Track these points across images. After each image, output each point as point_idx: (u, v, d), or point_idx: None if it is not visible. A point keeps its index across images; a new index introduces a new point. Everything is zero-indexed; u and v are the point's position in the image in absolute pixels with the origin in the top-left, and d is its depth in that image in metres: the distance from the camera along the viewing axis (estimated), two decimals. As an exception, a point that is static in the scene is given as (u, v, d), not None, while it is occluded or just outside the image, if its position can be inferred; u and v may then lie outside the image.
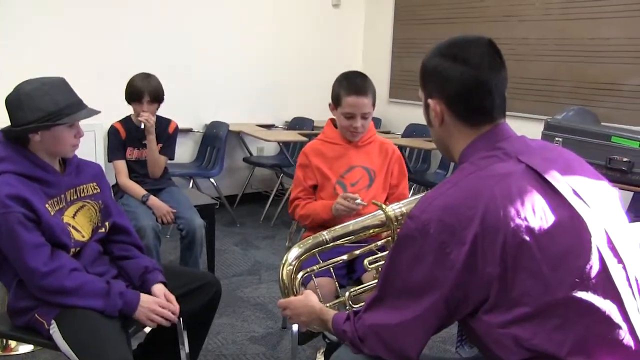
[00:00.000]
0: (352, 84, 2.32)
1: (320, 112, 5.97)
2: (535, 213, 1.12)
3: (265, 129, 5.45)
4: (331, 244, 1.78)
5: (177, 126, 3.36)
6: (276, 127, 5.80)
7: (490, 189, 1.14)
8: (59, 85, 1.84)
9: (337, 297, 1.99)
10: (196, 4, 5.04)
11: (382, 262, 1.81)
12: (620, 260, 1.15)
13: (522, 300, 1.11)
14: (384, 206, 1.78)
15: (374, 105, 2.37)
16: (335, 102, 2.37)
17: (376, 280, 1.81)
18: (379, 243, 1.88)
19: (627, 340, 1.11)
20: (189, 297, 2.02)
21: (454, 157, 1.36)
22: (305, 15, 5.88)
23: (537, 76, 4.65)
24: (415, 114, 5.37)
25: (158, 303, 1.86)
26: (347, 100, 2.30)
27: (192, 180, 4.84)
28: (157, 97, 3.12)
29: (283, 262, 1.72)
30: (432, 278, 1.16)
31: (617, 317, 1.11)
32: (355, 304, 1.77)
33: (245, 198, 5.61)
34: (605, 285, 1.11)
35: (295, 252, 1.74)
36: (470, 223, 1.12)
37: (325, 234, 1.78)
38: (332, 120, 2.53)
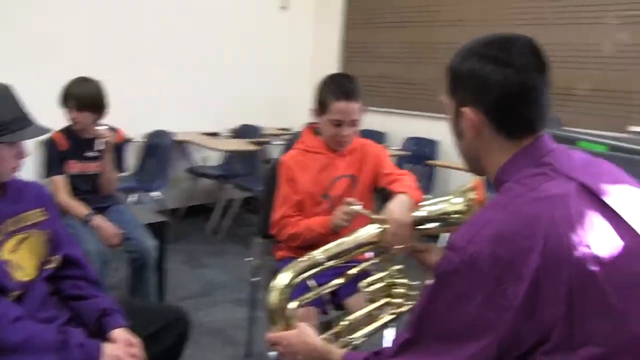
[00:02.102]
0: (341, 87, 2.09)
1: (267, 119, 5.81)
2: (599, 240, 0.98)
3: (210, 137, 5.19)
4: (327, 264, 1.56)
5: (125, 136, 3.07)
6: (221, 135, 5.56)
7: (548, 214, 0.98)
8: (1, 95, 1.55)
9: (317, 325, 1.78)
10: (134, 6, 4.73)
11: (381, 284, 1.65)
12: None
13: (589, 339, 0.95)
14: (379, 220, 1.63)
15: (363, 111, 2.16)
16: (321, 108, 2.13)
17: (375, 304, 1.64)
18: (374, 261, 1.70)
19: None
20: (156, 337, 1.76)
21: (488, 172, 1.20)
22: (251, 18, 5.69)
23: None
24: (369, 120, 5.25)
25: (123, 352, 1.59)
26: (336, 106, 2.07)
27: (135, 195, 4.51)
28: (87, 104, 2.79)
29: (272, 288, 1.48)
30: (482, 319, 0.99)
31: None
32: (352, 334, 1.57)
33: (188, 211, 5.33)
34: None
35: (286, 276, 1.49)
36: (528, 255, 0.96)
37: (319, 254, 1.55)
38: (311, 127, 2.30)
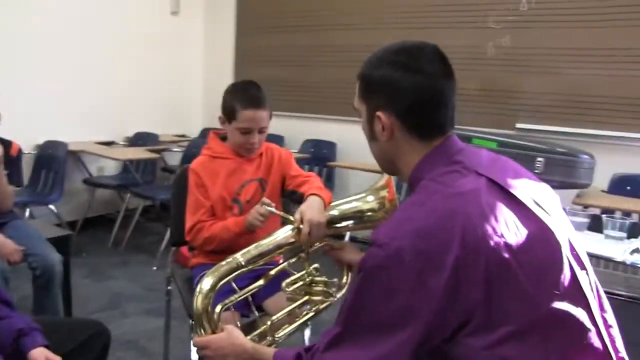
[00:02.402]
0: (249, 96, 2.12)
1: (164, 126, 5.72)
2: (509, 229, 1.07)
3: (105, 146, 5.05)
4: (247, 267, 1.60)
5: (20, 148, 2.94)
6: (117, 144, 5.40)
7: (463, 208, 1.07)
8: None
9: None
10: (26, 13, 4.52)
11: (301, 283, 1.71)
12: (583, 267, 1.15)
13: (505, 319, 1.05)
14: (294, 220, 1.70)
15: (270, 117, 2.20)
16: (229, 116, 2.15)
17: (296, 303, 1.70)
18: (292, 261, 1.74)
19: (596, 342, 1.10)
20: (77, 353, 1.73)
21: (402, 172, 1.27)
22: (142, 24, 5.56)
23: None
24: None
25: None
26: (244, 114, 2.10)
27: (27, 209, 4.30)
28: None
29: (197, 293, 1.49)
30: (409, 309, 1.06)
31: (587, 322, 1.09)
32: (276, 333, 1.63)
33: (86, 223, 5.14)
34: (576, 293, 1.10)
35: (209, 281, 1.51)
36: (448, 247, 1.03)
37: (239, 257, 1.58)
38: (216, 133, 2.32)
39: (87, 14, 5.03)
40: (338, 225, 1.76)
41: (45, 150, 4.63)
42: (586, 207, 3.17)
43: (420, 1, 4.74)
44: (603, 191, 3.72)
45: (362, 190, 1.75)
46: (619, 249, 2.37)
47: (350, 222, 1.77)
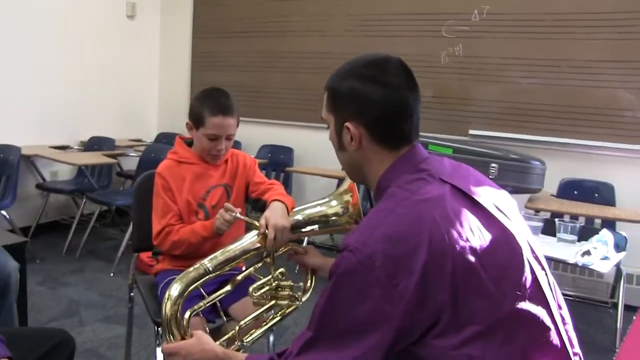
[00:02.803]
0: (217, 103, 2.13)
1: (119, 130, 5.66)
2: (474, 233, 1.13)
3: (59, 150, 4.96)
4: (214, 273, 1.62)
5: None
6: (71, 148, 5.31)
7: (430, 214, 1.12)
8: None
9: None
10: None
11: (267, 287, 1.73)
12: (542, 268, 1.22)
13: (471, 320, 1.10)
14: (259, 226, 1.73)
15: (238, 125, 2.22)
16: (197, 123, 2.16)
17: (263, 308, 1.72)
18: (258, 266, 1.77)
19: (555, 340, 1.16)
20: (42, 362, 1.71)
21: (368, 180, 1.32)
22: (98, 27, 5.49)
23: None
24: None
25: None
26: (212, 121, 2.11)
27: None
28: None
29: (166, 299, 1.50)
30: (379, 312, 1.09)
31: (547, 321, 1.15)
32: (244, 338, 1.65)
33: (39, 229, 5.04)
34: (537, 293, 1.16)
35: (177, 287, 1.52)
36: (416, 251, 1.08)
37: (207, 263, 1.60)
38: (182, 138, 2.33)
39: (42, 15, 4.94)
40: (303, 229, 1.80)
41: (-4, 155, 4.52)
42: (537, 211, 3.29)
43: (377, 10, 4.82)
44: (552, 195, 3.86)
45: (326, 195, 1.80)
46: (571, 251, 2.48)
47: (315, 226, 1.81)
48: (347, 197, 1.76)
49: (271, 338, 2.31)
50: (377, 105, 1.22)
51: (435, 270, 1.08)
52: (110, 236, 5.17)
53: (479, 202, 1.19)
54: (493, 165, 3.29)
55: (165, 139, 5.70)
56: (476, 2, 4.38)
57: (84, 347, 3.00)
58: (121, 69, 5.78)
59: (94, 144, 5.33)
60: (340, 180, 4.05)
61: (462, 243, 1.10)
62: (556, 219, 2.76)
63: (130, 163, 5.64)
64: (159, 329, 2.13)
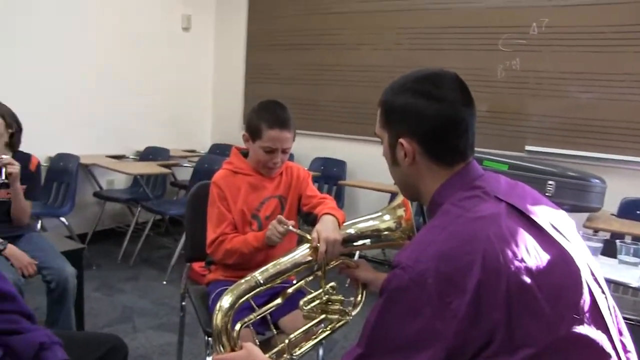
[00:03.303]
0: (275, 116, 2.15)
1: (173, 140, 5.77)
2: (529, 253, 1.09)
3: (116, 160, 5.08)
4: (265, 286, 1.61)
5: (39, 163, 2.98)
6: (127, 157, 5.44)
7: (484, 233, 1.09)
8: None
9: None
10: (34, 26, 4.57)
11: (318, 301, 1.73)
12: (602, 291, 1.17)
13: (526, 342, 1.06)
14: (311, 239, 1.72)
15: (294, 138, 2.23)
16: (254, 135, 2.18)
17: (313, 321, 1.72)
18: (309, 279, 1.76)
19: None
20: (95, 367, 1.74)
21: (422, 197, 1.30)
22: (154, 39, 5.62)
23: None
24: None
25: None
26: (269, 134, 2.13)
27: (39, 221, 4.32)
28: (14, 119, 2.74)
29: (217, 310, 1.51)
30: (431, 331, 1.07)
31: (607, 347, 1.11)
32: (293, 351, 1.65)
33: (96, 236, 5.16)
34: (596, 317, 1.12)
35: (228, 299, 1.53)
36: (470, 270, 1.05)
37: (258, 275, 1.60)
38: (238, 148, 2.35)
39: (100, 28, 5.09)
40: (354, 243, 1.79)
41: (57, 163, 4.66)
42: (596, 231, 3.18)
43: (432, 23, 4.78)
44: (613, 215, 3.73)
45: (379, 210, 1.78)
46: (633, 274, 2.39)
47: (367, 240, 1.79)
48: (400, 212, 1.74)
49: (320, 352, 2.29)
50: (431, 121, 1.20)
51: (489, 290, 1.05)
52: (164, 245, 5.26)
53: (535, 222, 1.16)
54: (550, 182, 3.20)
55: (219, 150, 5.77)
56: (535, 15, 4.29)
57: (137, 352, 3.06)
58: (176, 80, 5.90)
59: (149, 154, 5.45)
60: (393, 195, 4.01)
61: (517, 263, 1.07)
62: (617, 240, 2.65)
63: (184, 173, 5.74)
64: (210, 338, 2.14)
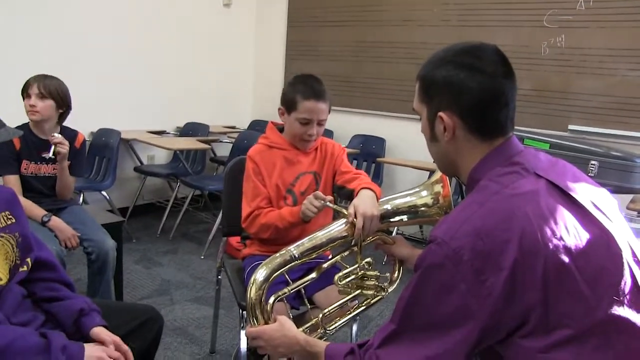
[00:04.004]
0: (310, 88, 2.14)
1: (213, 116, 5.81)
2: (569, 232, 1.07)
3: (156, 135, 5.14)
4: (300, 260, 1.61)
5: (84, 139, 3.02)
6: (167, 133, 5.50)
7: (522, 210, 1.07)
8: None
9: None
10: (77, 4, 4.62)
11: (353, 277, 1.72)
12: None
13: (562, 323, 1.04)
14: (347, 214, 1.70)
15: (329, 111, 2.22)
16: (289, 107, 2.17)
17: (349, 297, 1.72)
18: (345, 254, 1.75)
19: None
20: (132, 336, 1.77)
21: (460, 173, 1.28)
22: (195, 15, 5.63)
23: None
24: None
25: (106, 352, 1.59)
26: (305, 105, 2.13)
27: (81, 195, 4.40)
28: (51, 92, 2.77)
29: (251, 283, 1.52)
30: (466, 309, 1.06)
31: None
32: (327, 326, 1.64)
33: (136, 210, 5.26)
34: (638, 300, 1.08)
35: (263, 272, 1.54)
36: (506, 248, 1.03)
37: (293, 250, 1.60)
38: (274, 123, 2.35)
39: (143, 6, 5.13)
40: (391, 219, 1.77)
41: (98, 138, 4.74)
42: (641, 212, 3.09)
43: (475, -1, 4.68)
44: (659, 196, 3.62)
45: (416, 185, 1.75)
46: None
47: (404, 216, 1.77)
48: (437, 188, 1.71)
49: (354, 328, 2.29)
50: (473, 94, 1.17)
51: (526, 268, 1.03)
52: (202, 220, 5.32)
53: (576, 200, 1.13)
54: (593, 162, 3.11)
55: (259, 127, 5.78)
56: (583, -10, 4.16)
57: (173, 325, 3.11)
58: (217, 57, 5.92)
59: (189, 129, 5.50)
60: (432, 173, 3.97)
61: (555, 241, 1.04)
62: (662, 222, 2.58)
63: (223, 149, 5.78)
64: (244, 312, 2.16)
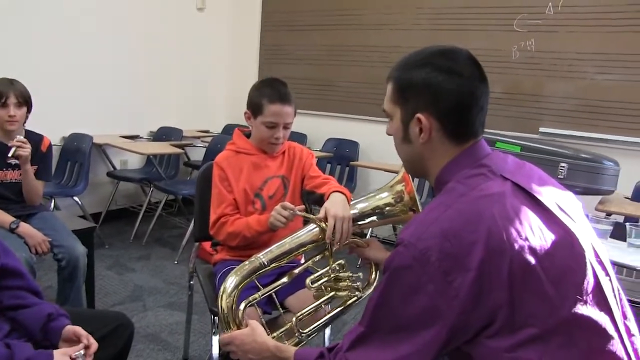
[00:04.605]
0: (276, 91, 2.16)
1: (187, 121, 5.77)
2: (534, 233, 1.08)
3: (129, 140, 5.10)
4: (270, 266, 1.62)
5: (50, 143, 2.99)
6: (141, 137, 5.45)
7: (489, 211, 1.08)
8: None
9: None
10: (48, 6, 4.57)
11: (325, 279, 1.72)
12: (607, 273, 1.16)
13: (527, 322, 1.06)
14: (316, 218, 1.71)
15: (295, 115, 2.23)
16: (255, 111, 2.19)
17: (322, 299, 1.71)
18: (317, 259, 1.76)
19: (619, 350, 1.10)
20: (102, 343, 1.74)
21: (429, 174, 1.28)
22: (168, 19, 5.60)
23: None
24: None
25: (73, 350, 1.57)
26: (271, 109, 2.15)
27: (52, 200, 4.34)
28: (26, 99, 2.75)
29: (221, 292, 1.53)
30: (434, 310, 1.07)
31: (610, 329, 1.10)
32: (303, 330, 1.64)
33: (109, 215, 5.20)
34: (599, 299, 1.11)
35: (233, 280, 1.55)
36: (473, 248, 1.05)
37: (262, 257, 1.61)
38: (241, 130, 2.36)
39: (115, 8, 5.08)
40: (359, 222, 1.78)
41: (70, 143, 4.68)
42: (609, 214, 3.14)
43: (447, 3, 4.72)
44: (627, 198, 3.68)
45: (378, 188, 1.78)
46: (643, 257, 2.35)
47: (372, 218, 1.78)
48: (399, 187, 1.73)
49: (327, 332, 2.30)
50: (452, 96, 1.18)
51: (492, 269, 1.04)
52: (176, 225, 5.28)
53: (541, 202, 1.15)
54: (562, 164, 3.16)
55: (232, 131, 5.73)
56: (551, -6, 4.22)
57: (146, 331, 3.08)
58: (191, 60, 5.89)
59: (163, 134, 5.46)
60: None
61: (520, 242, 1.06)
62: (627, 223, 2.61)
63: (197, 154, 5.75)
64: (216, 317, 2.16)
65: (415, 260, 1.07)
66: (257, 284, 1.64)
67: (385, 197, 1.74)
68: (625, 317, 1.16)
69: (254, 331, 1.44)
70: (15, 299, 1.73)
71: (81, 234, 2.93)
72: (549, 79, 4.29)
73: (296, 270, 1.73)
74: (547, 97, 4.31)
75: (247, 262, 1.60)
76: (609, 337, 1.09)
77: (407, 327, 1.10)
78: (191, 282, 2.60)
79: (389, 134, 1.33)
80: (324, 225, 1.71)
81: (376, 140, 5.19)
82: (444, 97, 1.18)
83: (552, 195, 1.19)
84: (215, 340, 2.16)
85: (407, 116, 1.24)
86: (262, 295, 1.65)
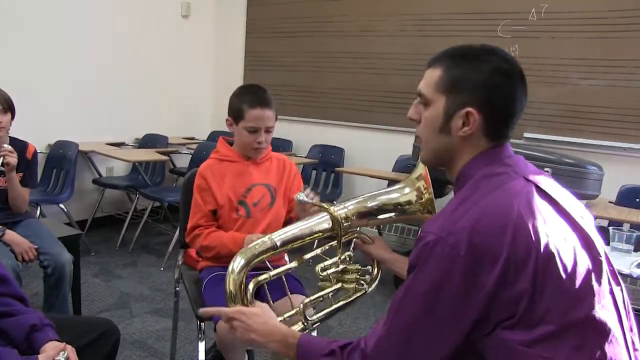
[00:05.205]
0: (255, 96, 2.20)
1: (172, 128, 5.77)
2: (557, 232, 1.12)
3: (115, 147, 5.08)
4: (280, 249, 1.56)
5: (35, 150, 2.98)
6: (126, 145, 5.44)
7: (516, 208, 1.11)
8: None
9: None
10: (34, 15, 4.56)
11: (334, 269, 1.67)
12: (618, 283, 1.19)
13: (545, 318, 1.08)
14: (331, 208, 1.64)
15: (276, 119, 2.25)
16: (237, 117, 2.21)
17: (335, 287, 1.67)
18: (327, 247, 1.72)
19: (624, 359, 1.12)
20: (87, 350, 1.75)
21: (451, 167, 1.29)
22: (153, 26, 5.60)
23: (395, 89, 4.79)
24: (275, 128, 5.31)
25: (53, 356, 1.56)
26: (252, 114, 2.17)
27: (38, 208, 4.31)
28: (10, 105, 2.75)
29: (229, 272, 1.47)
30: (459, 304, 1.09)
31: (620, 338, 1.12)
32: (309, 318, 1.60)
33: (95, 223, 5.17)
34: (612, 306, 1.14)
35: (240, 261, 1.48)
36: (501, 243, 1.07)
37: (275, 238, 1.55)
38: (225, 138, 2.37)
39: (99, 16, 5.08)
40: (381, 217, 1.74)
41: (56, 150, 4.66)
42: (593, 218, 3.17)
43: (431, 9, 4.76)
44: (611, 202, 3.72)
45: (402, 181, 1.74)
46: (626, 261, 2.38)
47: (392, 214, 1.72)
48: (420, 184, 1.69)
49: (314, 335, 2.29)
50: (506, 99, 1.20)
51: (518, 263, 1.07)
52: (162, 232, 5.27)
53: (561, 205, 1.18)
54: (546, 169, 3.19)
55: (218, 137, 5.74)
56: (534, 0, 4.26)
57: (132, 338, 3.07)
58: (176, 67, 5.89)
59: (148, 141, 5.45)
60: (391, 182, 4.01)
61: (545, 239, 1.09)
62: (611, 228, 2.64)
63: (183, 160, 5.74)
64: (202, 323, 2.15)
65: (444, 254, 1.09)
66: (268, 264, 1.61)
67: (407, 193, 1.70)
68: (631, 329, 1.18)
69: (265, 313, 1.41)
70: (1, 306, 1.72)
71: (67, 241, 2.92)
72: (533, 85, 4.29)
73: (306, 256, 1.68)
74: (531, 103, 4.25)
75: (258, 243, 1.54)
76: (618, 344, 1.11)
77: (434, 320, 1.12)
78: (177, 289, 2.59)
79: (413, 119, 1.32)
80: (336, 214, 1.68)
81: (361, 147, 5.21)
82: (499, 98, 1.20)
83: (570, 201, 1.22)
84: (201, 346, 2.16)
85: (453, 107, 1.22)
86: (272, 276, 1.59)
